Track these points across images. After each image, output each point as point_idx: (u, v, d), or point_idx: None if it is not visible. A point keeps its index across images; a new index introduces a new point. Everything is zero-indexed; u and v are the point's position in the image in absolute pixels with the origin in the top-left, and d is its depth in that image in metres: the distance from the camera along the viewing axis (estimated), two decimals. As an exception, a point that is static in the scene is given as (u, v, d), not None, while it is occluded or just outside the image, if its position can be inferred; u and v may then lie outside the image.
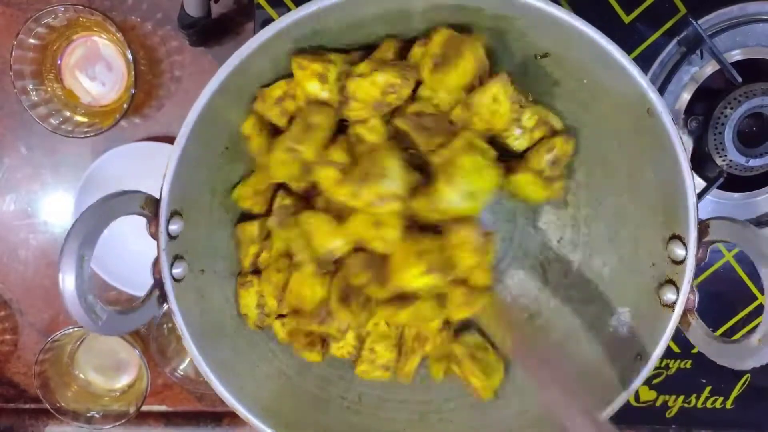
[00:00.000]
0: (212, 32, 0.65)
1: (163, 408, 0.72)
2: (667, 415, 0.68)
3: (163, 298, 0.42)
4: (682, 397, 0.68)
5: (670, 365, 0.68)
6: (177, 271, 0.42)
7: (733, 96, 0.58)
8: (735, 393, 0.68)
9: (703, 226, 0.41)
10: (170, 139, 0.66)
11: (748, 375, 0.68)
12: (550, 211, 0.54)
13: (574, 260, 0.52)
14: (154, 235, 0.41)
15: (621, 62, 0.40)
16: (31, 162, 0.68)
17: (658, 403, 0.68)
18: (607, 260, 0.50)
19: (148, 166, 0.63)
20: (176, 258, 0.42)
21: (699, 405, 0.68)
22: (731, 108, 0.58)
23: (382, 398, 0.52)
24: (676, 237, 0.42)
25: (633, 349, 0.44)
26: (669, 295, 0.42)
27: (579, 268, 0.52)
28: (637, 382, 0.42)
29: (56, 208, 0.69)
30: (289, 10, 0.60)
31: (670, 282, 0.42)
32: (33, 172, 0.68)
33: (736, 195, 0.63)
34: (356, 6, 0.40)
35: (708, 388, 0.68)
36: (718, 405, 0.68)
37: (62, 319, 0.70)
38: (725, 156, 0.59)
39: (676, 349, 0.67)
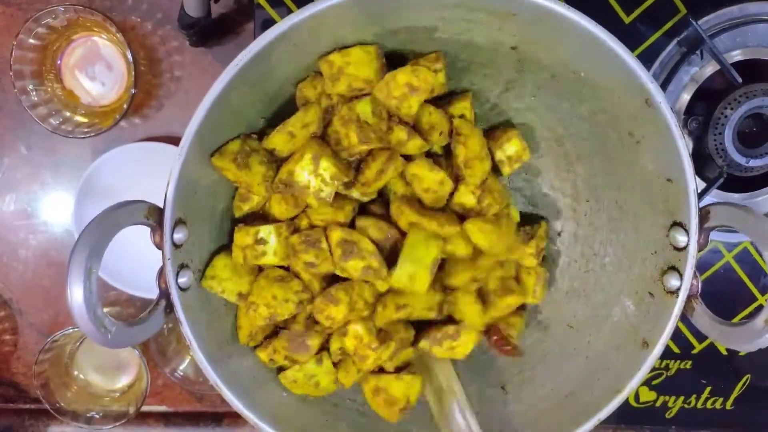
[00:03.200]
0: (212, 32, 0.65)
1: (163, 408, 0.72)
2: (667, 416, 0.68)
3: (169, 308, 0.41)
4: (682, 398, 0.68)
5: (670, 366, 0.67)
6: (182, 280, 0.42)
7: (733, 96, 0.58)
8: (735, 393, 0.68)
9: (703, 212, 0.41)
10: (170, 140, 0.66)
11: (749, 375, 0.68)
12: (550, 204, 0.54)
13: (576, 252, 0.53)
14: (159, 245, 0.40)
15: (618, 53, 0.40)
16: (31, 162, 0.68)
17: (658, 403, 0.68)
18: (609, 251, 0.50)
19: (148, 167, 0.63)
20: (181, 267, 0.42)
21: (699, 405, 0.68)
22: (731, 108, 0.58)
23: None
24: (677, 224, 0.42)
25: (639, 337, 0.44)
26: (673, 282, 0.43)
27: (580, 261, 0.52)
28: (645, 369, 0.43)
29: (56, 208, 0.69)
30: (289, 10, 0.61)
31: (673, 269, 0.43)
32: (33, 172, 0.68)
33: (736, 195, 0.63)
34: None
35: (708, 389, 0.68)
36: (718, 405, 0.68)
37: (62, 319, 0.70)
38: (725, 156, 0.59)
39: (676, 349, 0.67)
